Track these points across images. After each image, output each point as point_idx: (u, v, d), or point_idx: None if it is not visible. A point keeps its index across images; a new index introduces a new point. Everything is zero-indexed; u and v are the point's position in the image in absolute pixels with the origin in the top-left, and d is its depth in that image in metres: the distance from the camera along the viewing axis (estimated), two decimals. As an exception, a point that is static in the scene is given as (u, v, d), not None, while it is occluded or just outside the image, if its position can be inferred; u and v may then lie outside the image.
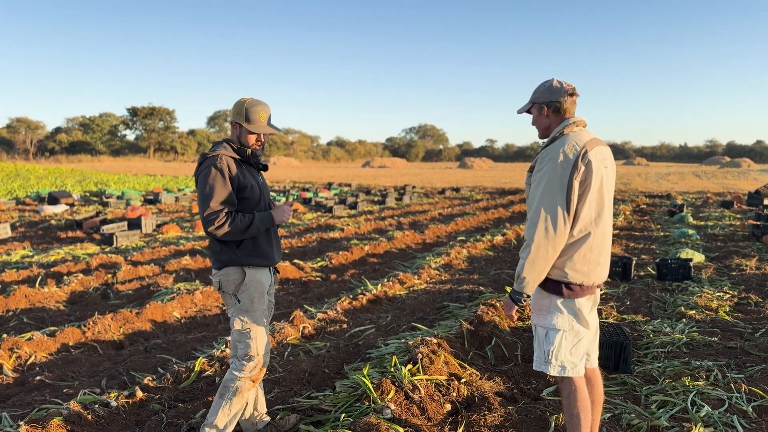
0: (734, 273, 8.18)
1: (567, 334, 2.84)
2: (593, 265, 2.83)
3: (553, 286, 2.80)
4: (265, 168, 3.31)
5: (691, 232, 11.75)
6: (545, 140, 2.91)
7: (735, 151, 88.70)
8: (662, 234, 12.57)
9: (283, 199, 20.54)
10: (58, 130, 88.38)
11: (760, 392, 3.97)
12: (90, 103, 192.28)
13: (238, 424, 3.40)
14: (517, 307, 2.84)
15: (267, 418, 3.49)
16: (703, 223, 14.47)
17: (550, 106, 2.86)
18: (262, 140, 3.18)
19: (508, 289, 6.69)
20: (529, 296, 2.81)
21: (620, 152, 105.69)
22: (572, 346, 2.85)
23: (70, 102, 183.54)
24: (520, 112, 3.01)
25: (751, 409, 3.77)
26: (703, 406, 3.77)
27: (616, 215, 15.77)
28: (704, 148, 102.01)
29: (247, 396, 3.19)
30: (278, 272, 3.48)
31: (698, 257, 9.06)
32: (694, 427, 3.47)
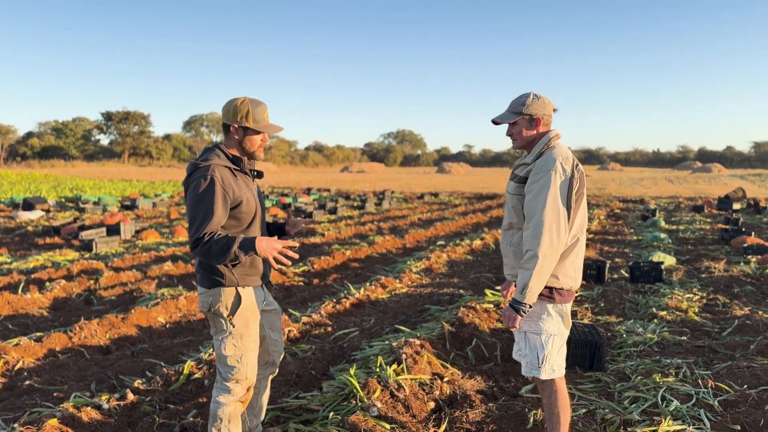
0: (703, 275, 8.49)
1: (556, 338, 2.98)
2: (579, 270, 3.02)
3: (546, 292, 2.92)
4: (261, 175, 3.10)
5: (663, 236, 12.11)
6: (533, 152, 2.95)
7: (706, 157, 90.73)
8: (635, 238, 12.91)
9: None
10: (30, 134, 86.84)
11: (726, 387, 4.20)
12: (63, 108, 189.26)
13: None
14: (519, 318, 2.86)
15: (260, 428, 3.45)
16: (674, 227, 14.88)
17: (542, 119, 2.96)
18: (267, 141, 2.99)
19: (488, 291, 6.88)
20: (531, 306, 2.86)
21: (595, 158, 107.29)
22: (559, 349, 3.02)
23: (42, 106, 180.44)
24: (503, 122, 3.00)
25: (717, 403, 3.99)
26: (672, 401, 3.98)
27: (590, 219, 16.12)
28: (677, 154, 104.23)
29: (241, 419, 3.05)
30: (270, 283, 3.23)
31: (669, 260, 9.37)
32: (663, 420, 3.67)
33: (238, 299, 2.87)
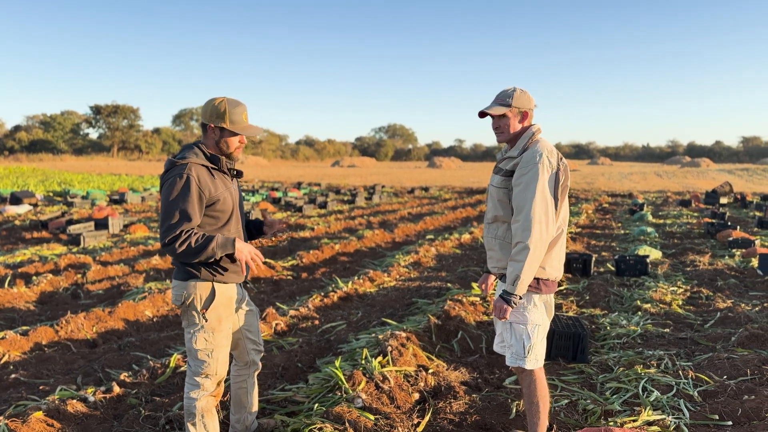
0: (688, 268, 8.59)
1: (541, 328, 3.04)
2: (562, 261, 3.08)
3: (533, 283, 2.96)
4: (240, 174, 3.07)
5: (650, 230, 12.21)
6: (517, 145, 2.98)
7: (695, 152, 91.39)
8: (623, 232, 13.02)
9: (253, 199, 20.51)
10: (17, 128, 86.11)
11: (706, 378, 4.27)
12: (51, 101, 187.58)
13: (227, 426, 3.47)
14: (510, 309, 2.91)
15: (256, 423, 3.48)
16: (662, 221, 15.01)
17: (529, 113, 3.01)
18: (245, 143, 2.98)
19: (475, 285, 6.93)
20: (521, 297, 2.91)
21: (585, 152, 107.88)
22: (542, 339, 3.07)
23: (30, 99, 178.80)
24: (493, 112, 2.97)
25: (697, 393, 4.06)
26: (653, 392, 4.04)
27: (579, 214, 16.24)
28: (666, 149, 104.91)
29: (215, 411, 3.04)
30: (248, 283, 3.27)
31: (655, 254, 9.46)
32: (644, 410, 3.73)
33: (212, 294, 2.87)
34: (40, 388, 4.27)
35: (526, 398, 3.14)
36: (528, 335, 3.01)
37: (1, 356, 4.88)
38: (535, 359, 3.04)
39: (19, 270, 8.10)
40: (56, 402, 3.69)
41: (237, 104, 2.88)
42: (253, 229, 3.31)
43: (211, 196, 2.80)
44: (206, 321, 2.88)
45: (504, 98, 3.00)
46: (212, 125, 2.86)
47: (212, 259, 2.78)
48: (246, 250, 2.84)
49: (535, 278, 2.96)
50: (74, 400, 3.78)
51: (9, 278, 7.53)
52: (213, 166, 2.86)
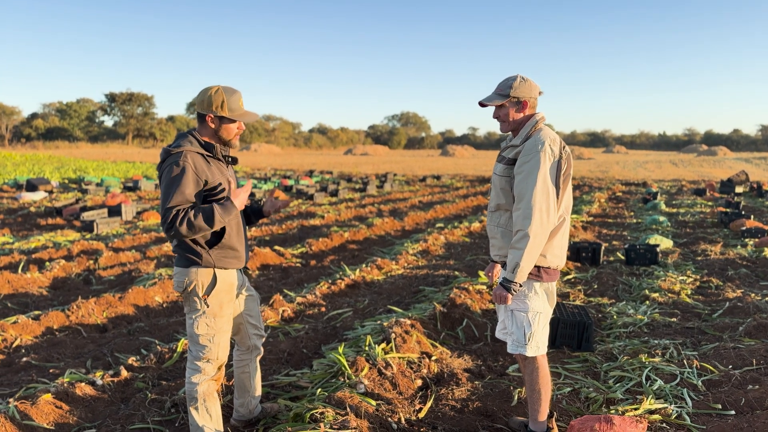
0: (699, 258, 8.52)
1: (542, 316, 3.05)
2: (564, 250, 3.08)
3: (534, 270, 2.97)
4: (235, 161, 3.07)
5: (662, 219, 12.11)
6: (520, 134, 2.97)
7: (712, 140, 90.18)
8: (635, 221, 12.93)
9: (265, 186, 20.60)
10: (34, 115, 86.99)
11: (711, 367, 4.25)
12: (67, 89, 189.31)
13: (231, 409, 3.53)
14: (510, 296, 2.93)
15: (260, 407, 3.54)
16: (675, 210, 14.88)
17: (529, 102, 2.98)
18: (243, 128, 2.99)
19: (481, 273, 6.93)
20: (521, 285, 2.94)
21: (600, 140, 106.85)
22: (543, 327, 3.08)
23: (46, 87, 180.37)
24: (490, 103, 2.99)
25: (701, 383, 4.05)
26: (657, 381, 4.04)
27: (591, 202, 16.13)
28: (682, 137, 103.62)
29: (217, 395, 3.08)
30: (248, 269, 3.39)
31: (666, 243, 9.39)
32: (646, 399, 3.73)
33: (214, 280, 2.90)
34: (50, 371, 4.35)
35: (528, 385, 3.16)
36: (529, 323, 3.02)
37: (14, 340, 4.98)
38: (537, 346, 3.05)
39: (33, 256, 8.22)
40: (65, 385, 3.77)
41: (233, 92, 2.91)
42: (253, 215, 3.35)
43: (208, 182, 2.83)
44: (208, 307, 2.92)
45: (503, 88, 2.98)
46: (211, 115, 2.88)
47: (220, 227, 2.81)
48: (243, 200, 2.93)
49: (536, 266, 2.97)
50: (83, 383, 3.85)
51: (23, 264, 7.65)
52: (208, 154, 2.89)
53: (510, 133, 3.12)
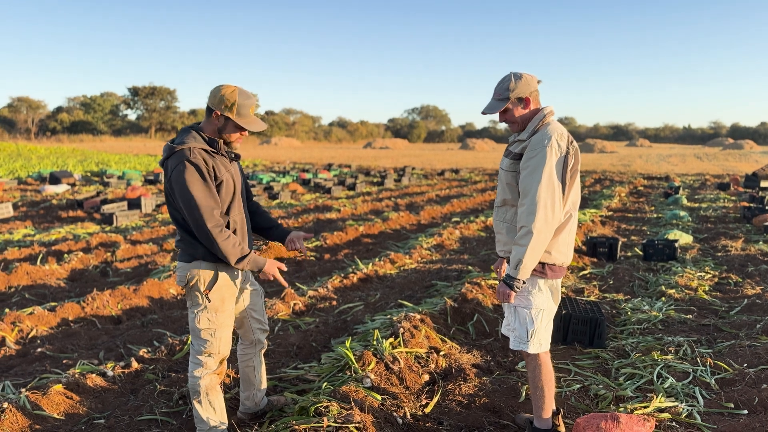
0: (719, 254, 8.36)
1: (546, 313, 3.01)
2: (571, 246, 3.03)
3: (538, 267, 2.93)
4: (238, 157, 3.04)
5: (683, 213, 11.91)
6: (527, 128, 2.92)
7: (738, 133, 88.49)
8: (655, 216, 12.73)
9: (283, 180, 20.68)
10: (59, 109, 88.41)
11: (725, 366, 4.17)
12: (91, 83, 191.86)
13: (238, 402, 3.56)
14: (513, 294, 2.90)
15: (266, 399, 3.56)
16: (697, 205, 14.62)
17: (530, 97, 2.93)
18: (246, 135, 2.96)
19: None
20: (524, 282, 2.90)
21: (623, 133, 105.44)
22: (547, 324, 3.05)
23: (71, 81, 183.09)
24: (493, 112, 2.97)
25: (714, 381, 3.97)
26: (668, 378, 3.97)
27: (611, 197, 15.93)
28: (708, 130, 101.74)
29: (219, 389, 3.09)
30: None
31: (686, 238, 9.23)
32: (656, 397, 3.67)
33: (215, 275, 2.91)
34: (64, 362, 4.42)
35: (531, 382, 3.13)
36: (532, 319, 2.99)
37: (30, 331, 5.07)
38: (539, 343, 3.01)
39: (53, 248, 8.36)
40: (76, 375, 3.83)
41: (248, 97, 2.86)
42: (275, 235, 3.32)
43: (216, 178, 2.81)
44: (209, 302, 2.92)
45: (501, 92, 2.93)
46: (218, 112, 2.83)
47: (239, 265, 2.87)
48: (273, 268, 2.98)
49: (540, 262, 2.93)
50: (93, 374, 3.91)
51: (42, 255, 7.78)
52: (212, 150, 2.85)
53: None
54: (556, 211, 2.81)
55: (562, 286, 6.59)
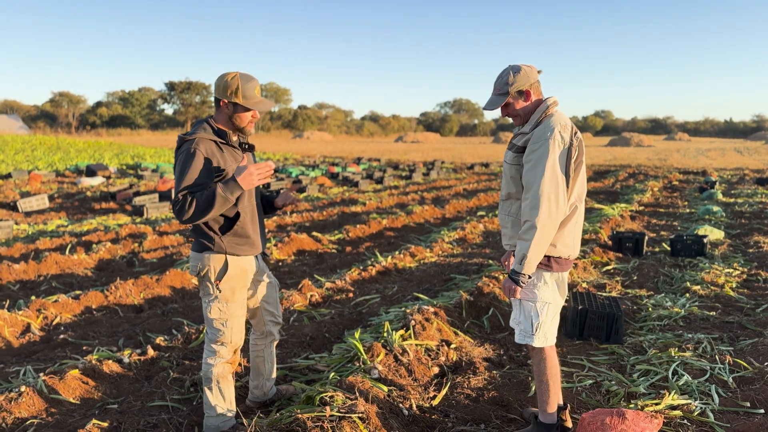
0: (751, 250, 8.12)
1: (551, 306, 2.98)
2: (577, 239, 2.99)
3: (544, 260, 2.90)
4: (252, 148, 3.07)
5: (716, 209, 11.58)
6: (531, 120, 2.88)
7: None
8: (688, 211, 12.42)
9: (312, 174, 20.82)
10: (99, 104, 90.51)
11: (745, 364, 4.06)
12: (130, 78, 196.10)
13: (248, 390, 3.62)
14: (519, 288, 2.87)
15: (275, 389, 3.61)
16: (732, 200, 14.20)
17: (531, 89, 2.88)
18: (257, 117, 2.98)
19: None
20: (530, 276, 2.87)
21: (662, 127, 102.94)
22: (552, 318, 3.01)
23: (110, 76, 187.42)
24: (494, 108, 2.93)
25: (732, 379, 3.87)
26: (684, 376, 3.88)
27: (643, 191, 15.59)
28: (751, 124, 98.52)
29: (231, 378, 3.14)
30: (267, 256, 3.39)
31: (717, 234, 8.99)
32: (668, 394, 3.59)
33: (225, 265, 2.94)
34: (84, 348, 4.56)
35: (536, 376, 3.09)
36: (537, 313, 2.95)
37: (54, 318, 5.23)
38: (545, 337, 2.98)
39: (83, 238, 8.59)
40: (93, 361, 3.94)
41: (249, 79, 2.90)
42: (267, 205, 3.37)
43: (219, 169, 2.85)
44: (220, 292, 2.97)
45: (501, 86, 2.89)
46: (225, 100, 2.88)
47: (226, 206, 2.75)
48: (252, 176, 2.76)
49: (546, 255, 2.89)
50: (110, 361, 4.02)
51: (70, 245, 8.00)
52: (221, 141, 2.91)
53: None
54: (560, 204, 2.77)
55: (583, 282, 6.49)
